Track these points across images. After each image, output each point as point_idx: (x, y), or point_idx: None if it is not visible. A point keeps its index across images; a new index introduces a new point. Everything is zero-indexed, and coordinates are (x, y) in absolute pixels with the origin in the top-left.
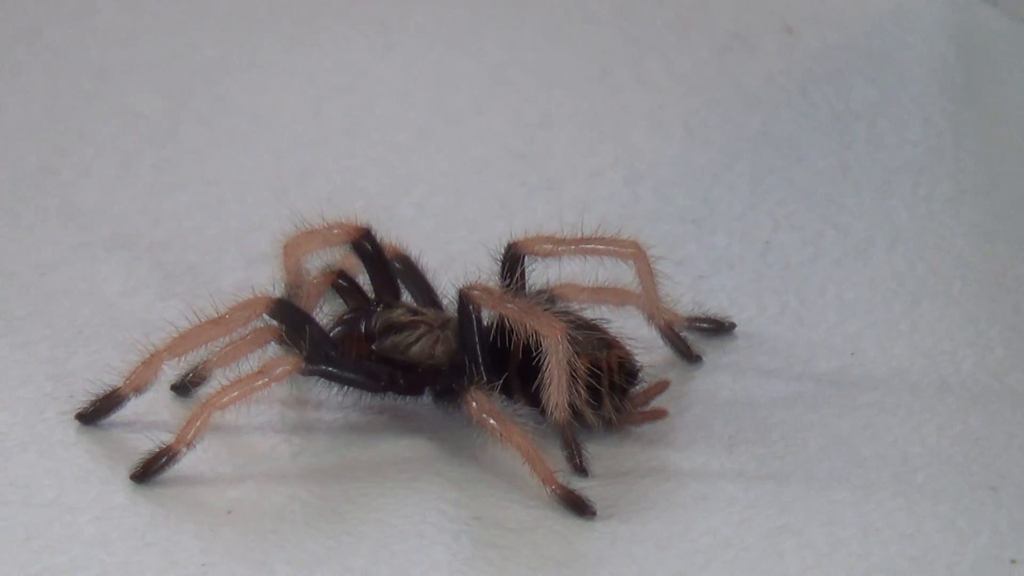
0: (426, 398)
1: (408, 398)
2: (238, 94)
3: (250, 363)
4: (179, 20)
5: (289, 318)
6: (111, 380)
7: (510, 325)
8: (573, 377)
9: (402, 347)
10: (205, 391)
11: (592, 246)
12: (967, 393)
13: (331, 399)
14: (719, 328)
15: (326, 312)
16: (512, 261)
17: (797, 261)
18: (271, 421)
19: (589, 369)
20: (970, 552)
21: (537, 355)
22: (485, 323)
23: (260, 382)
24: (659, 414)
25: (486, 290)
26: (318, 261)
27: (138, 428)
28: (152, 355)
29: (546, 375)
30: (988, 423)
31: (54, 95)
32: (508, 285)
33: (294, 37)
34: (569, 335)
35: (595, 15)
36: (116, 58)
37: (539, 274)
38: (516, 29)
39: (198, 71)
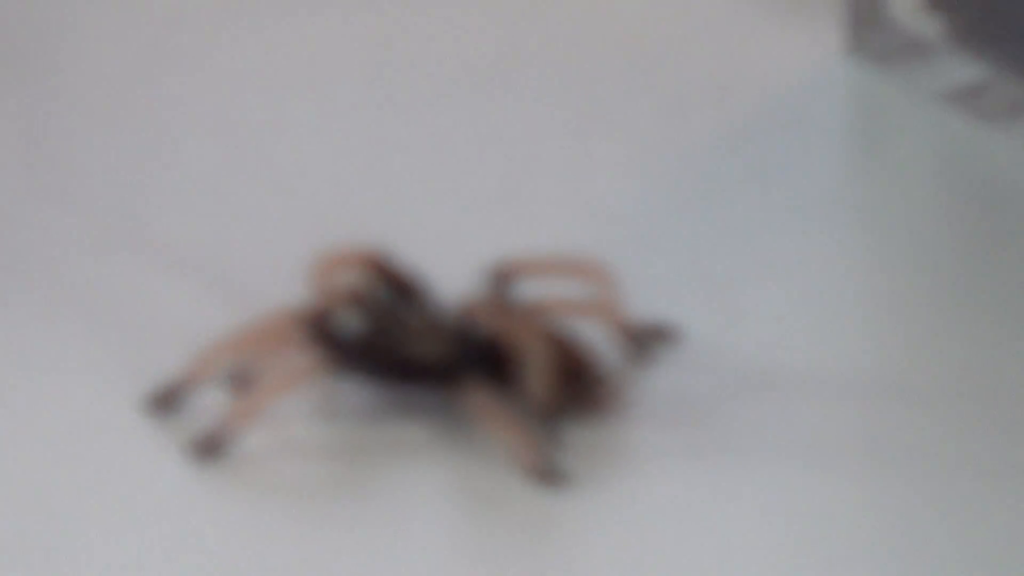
0: (429, 389)
1: (415, 392)
2: (286, 145)
3: (288, 363)
4: (233, 77)
5: (320, 326)
6: (179, 376)
7: (500, 333)
8: (549, 374)
9: (411, 348)
10: (255, 385)
11: (564, 265)
12: (869, 388)
13: (352, 394)
14: (665, 335)
15: (351, 319)
16: (502, 277)
17: (731, 280)
18: (302, 411)
19: (560, 367)
20: (875, 528)
21: (521, 356)
22: (479, 330)
23: (300, 376)
24: (615, 404)
25: (480, 304)
26: (347, 278)
27: (199, 415)
28: (212, 354)
29: (528, 372)
30: (888, 415)
31: (114, 127)
32: (499, 298)
33: (324, 95)
34: (547, 341)
35: (576, 82)
36: (173, 105)
37: (525, 285)
38: (506, 92)
39: (249, 120)
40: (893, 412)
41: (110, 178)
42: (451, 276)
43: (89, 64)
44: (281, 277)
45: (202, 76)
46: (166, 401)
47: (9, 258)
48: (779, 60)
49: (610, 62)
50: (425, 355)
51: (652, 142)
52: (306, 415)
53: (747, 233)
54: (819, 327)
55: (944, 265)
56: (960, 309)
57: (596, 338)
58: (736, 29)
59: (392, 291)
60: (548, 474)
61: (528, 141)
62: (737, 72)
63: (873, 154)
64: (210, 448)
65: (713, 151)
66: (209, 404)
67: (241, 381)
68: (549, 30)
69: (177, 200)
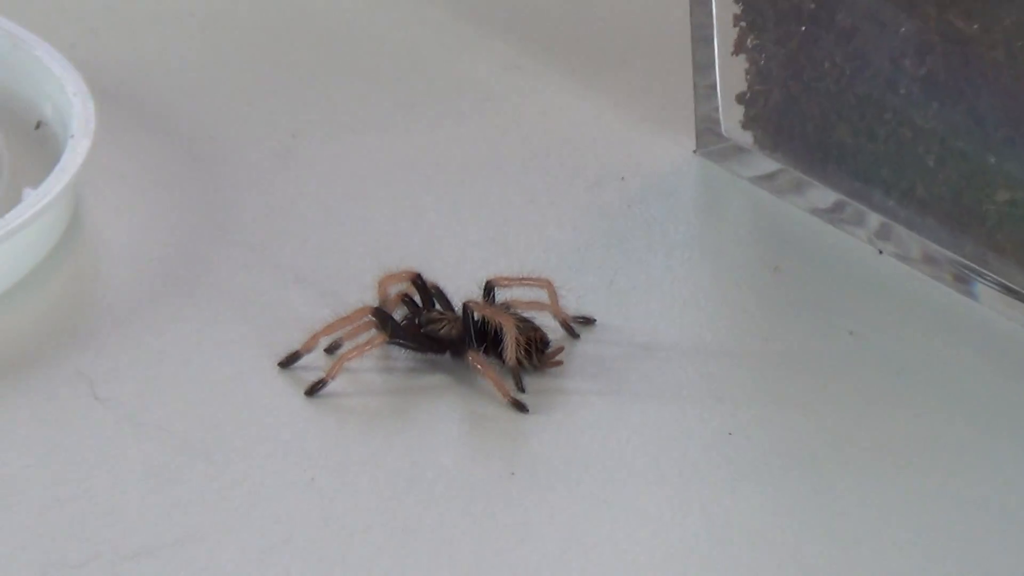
0: (447, 356)
1: (438, 356)
2: (364, 208)
3: (362, 337)
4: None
5: (381, 316)
6: (295, 346)
7: (488, 320)
8: (517, 344)
9: (435, 330)
10: (340, 351)
11: (526, 280)
12: (708, 352)
13: (399, 356)
14: (588, 321)
15: (400, 311)
16: (489, 288)
17: (626, 289)
18: (369, 366)
19: (525, 341)
20: (715, 440)
21: (500, 334)
22: (476, 318)
23: (368, 345)
24: (558, 363)
25: (476, 303)
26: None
27: (309, 370)
28: (316, 333)
29: (505, 344)
30: (721, 368)
31: (262, 192)
32: (488, 299)
33: (388, 179)
34: (516, 325)
35: (530, 173)
36: (300, 180)
37: (503, 292)
38: (490, 181)
39: (344, 194)
40: (723, 365)
41: (258, 224)
42: (460, 287)
43: (246, 153)
44: (359, 288)
45: (317, 165)
46: (291, 361)
47: (195, 275)
48: (656, 157)
49: (551, 160)
50: (444, 333)
51: (577, 210)
52: (371, 369)
53: (635, 262)
54: (679, 317)
55: (754, 280)
56: (763, 303)
57: (545, 323)
58: (628, 138)
59: (424, 295)
60: (516, 404)
61: (505, 209)
62: (630, 165)
63: (713, 215)
64: (314, 388)
65: (615, 213)
66: (315, 362)
67: (334, 347)
68: (512, 146)
69: (300, 239)
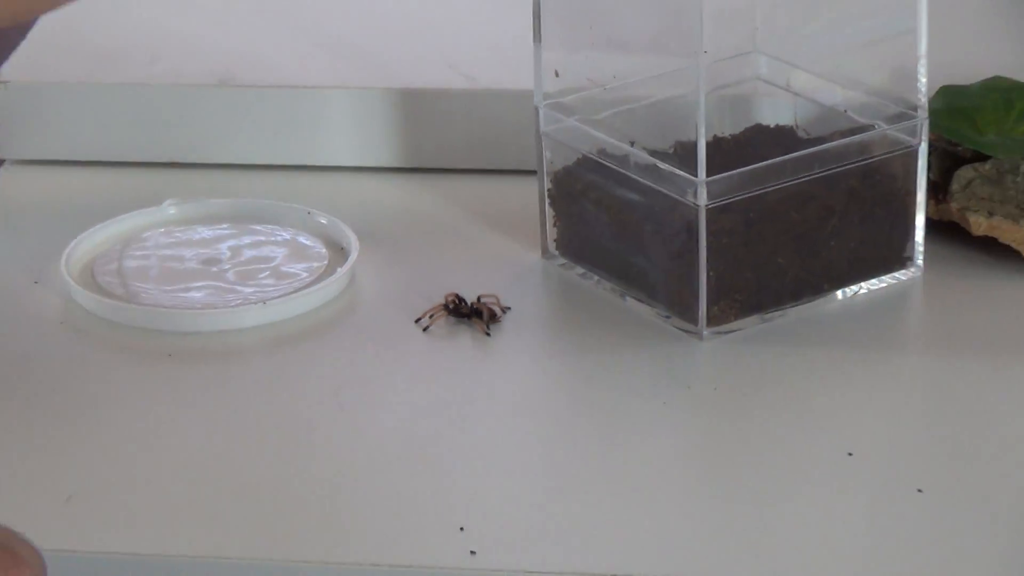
0: (467, 320)
1: (463, 319)
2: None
3: (439, 312)
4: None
5: (445, 306)
6: (418, 315)
7: (479, 307)
8: (488, 315)
9: (462, 312)
10: (432, 317)
11: (491, 295)
12: (549, 318)
13: (450, 320)
14: (508, 308)
15: (451, 304)
16: (479, 298)
17: (518, 296)
18: (443, 322)
19: (490, 314)
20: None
21: (483, 312)
22: (475, 308)
23: (441, 316)
24: (498, 321)
25: (475, 302)
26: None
27: (423, 323)
28: (426, 311)
29: (483, 315)
30: (552, 324)
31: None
32: (479, 301)
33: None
34: (488, 309)
35: (480, 268)
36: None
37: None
38: (471, 272)
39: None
40: (549, 320)
41: (415, 282)
42: (470, 297)
43: (405, 255)
44: (439, 296)
45: (423, 259)
46: (418, 321)
47: (394, 295)
48: (525, 261)
49: (489, 263)
50: (465, 312)
51: (501, 279)
52: (442, 325)
53: (519, 294)
54: (535, 307)
55: (543, 297)
56: (566, 305)
57: (496, 309)
58: (514, 254)
59: (458, 300)
60: (486, 334)
61: (477, 281)
62: (516, 263)
63: (547, 280)
64: (425, 329)
65: (514, 278)
66: (423, 321)
67: (432, 315)
68: (475, 259)
69: (422, 284)
